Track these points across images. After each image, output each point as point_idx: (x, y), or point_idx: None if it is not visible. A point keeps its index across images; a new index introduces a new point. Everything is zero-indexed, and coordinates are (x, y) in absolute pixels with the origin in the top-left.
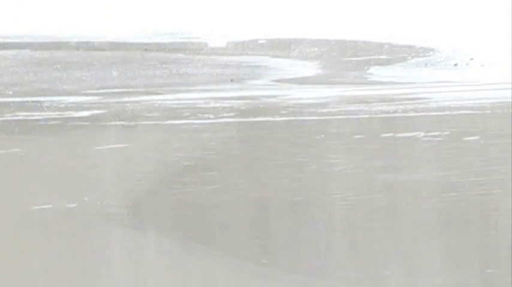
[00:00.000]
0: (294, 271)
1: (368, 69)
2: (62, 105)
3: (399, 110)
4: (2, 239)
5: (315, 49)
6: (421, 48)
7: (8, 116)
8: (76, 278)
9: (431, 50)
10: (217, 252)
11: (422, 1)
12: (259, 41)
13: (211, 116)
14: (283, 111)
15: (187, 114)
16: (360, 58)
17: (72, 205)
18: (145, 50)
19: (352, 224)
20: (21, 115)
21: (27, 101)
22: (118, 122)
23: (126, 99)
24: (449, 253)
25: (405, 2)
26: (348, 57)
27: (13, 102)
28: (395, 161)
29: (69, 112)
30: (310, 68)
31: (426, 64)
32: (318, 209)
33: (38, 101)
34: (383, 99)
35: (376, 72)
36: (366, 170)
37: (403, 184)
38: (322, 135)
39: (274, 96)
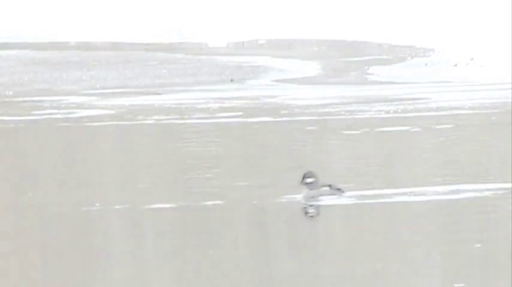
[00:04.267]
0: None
1: (368, 69)
2: (62, 105)
3: (399, 110)
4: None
5: (315, 49)
6: (421, 48)
7: (8, 116)
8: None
9: (431, 50)
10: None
11: (422, 1)
12: (259, 41)
13: (211, 116)
14: (283, 111)
15: (187, 114)
16: (360, 58)
17: (73, 202)
18: (146, 50)
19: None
20: (22, 115)
21: (27, 101)
22: (118, 122)
23: (126, 99)
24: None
25: (405, 3)
26: (348, 57)
27: (13, 102)
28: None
29: (69, 112)
30: (310, 68)
31: (426, 64)
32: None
33: (38, 101)
34: (383, 99)
35: (376, 72)
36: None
37: None
38: (322, 135)
39: (274, 96)
